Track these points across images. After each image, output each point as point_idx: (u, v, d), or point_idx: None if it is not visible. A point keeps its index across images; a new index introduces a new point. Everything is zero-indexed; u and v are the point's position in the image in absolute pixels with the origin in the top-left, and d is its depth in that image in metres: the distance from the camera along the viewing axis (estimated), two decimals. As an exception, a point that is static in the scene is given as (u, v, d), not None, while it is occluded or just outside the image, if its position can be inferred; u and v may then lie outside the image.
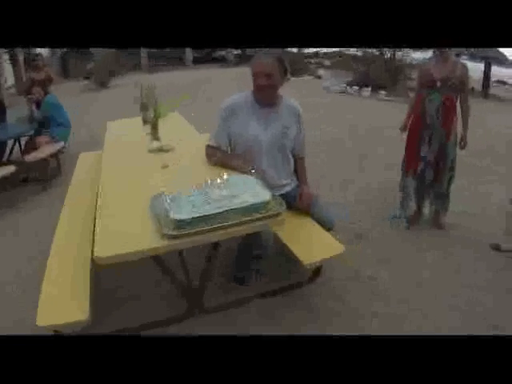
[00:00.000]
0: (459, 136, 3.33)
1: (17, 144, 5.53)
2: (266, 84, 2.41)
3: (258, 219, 1.91)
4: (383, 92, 10.35)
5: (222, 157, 2.55)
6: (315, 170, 4.49)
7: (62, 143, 5.22)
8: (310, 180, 2.81)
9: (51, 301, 1.95)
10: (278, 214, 1.97)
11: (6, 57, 13.09)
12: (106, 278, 2.70)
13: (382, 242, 3.33)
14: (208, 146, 2.61)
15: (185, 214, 1.81)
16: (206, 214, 1.82)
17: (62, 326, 1.87)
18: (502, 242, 3.15)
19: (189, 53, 18.89)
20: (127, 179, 2.55)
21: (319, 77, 13.92)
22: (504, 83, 15.19)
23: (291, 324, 2.39)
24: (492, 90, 12.69)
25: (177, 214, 1.80)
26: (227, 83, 11.30)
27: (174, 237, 1.78)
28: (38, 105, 5.44)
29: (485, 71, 12.70)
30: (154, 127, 2.98)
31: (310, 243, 2.41)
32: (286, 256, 2.45)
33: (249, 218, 1.89)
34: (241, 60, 17.89)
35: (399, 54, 11.89)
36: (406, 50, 11.70)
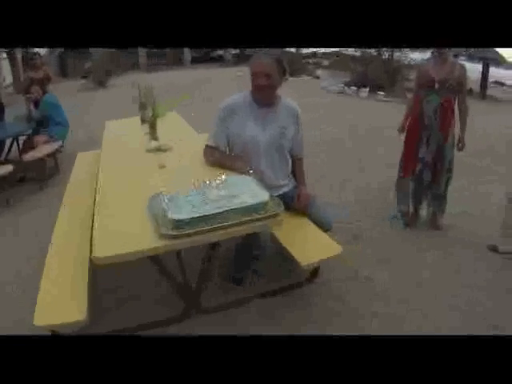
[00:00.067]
0: (457, 137, 3.34)
1: (15, 143, 5.51)
2: (264, 84, 2.41)
3: (257, 220, 1.92)
4: (381, 92, 10.37)
5: (220, 157, 2.55)
6: (315, 169, 4.52)
7: (59, 142, 5.20)
8: (309, 180, 2.81)
9: (49, 301, 1.94)
10: (276, 215, 1.97)
11: (3, 55, 13.06)
12: (106, 278, 2.69)
13: (382, 242, 3.34)
14: (206, 146, 2.61)
15: (183, 214, 1.81)
16: (206, 214, 1.82)
17: (59, 326, 1.87)
18: (499, 243, 3.15)
19: (187, 53, 18.90)
20: (125, 179, 2.55)
21: (317, 77, 13.94)
22: (502, 84, 15.24)
23: (291, 324, 2.39)
24: (490, 91, 12.72)
25: (175, 214, 1.80)
26: (226, 83, 11.30)
27: (173, 237, 1.78)
28: (36, 104, 5.42)
29: (483, 72, 12.73)
30: (153, 127, 2.98)
31: (308, 244, 2.42)
32: (283, 256, 2.45)
33: (248, 219, 1.89)
34: (239, 60, 17.90)
35: (397, 54, 11.92)
36: (404, 50, 11.74)
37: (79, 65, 15.75)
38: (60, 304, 1.93)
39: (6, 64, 13.23)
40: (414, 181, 3.42)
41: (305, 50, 19.15)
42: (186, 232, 1.79)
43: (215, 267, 2.59)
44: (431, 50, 3.37)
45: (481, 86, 12.43)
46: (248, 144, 2.50)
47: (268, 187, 2.15)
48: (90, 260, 1.95)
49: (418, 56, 10.64)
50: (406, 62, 11.61)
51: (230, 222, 1.86)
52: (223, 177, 2.11)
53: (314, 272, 2.68)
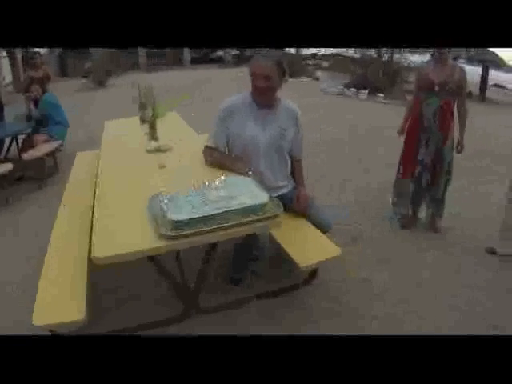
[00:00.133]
0: (456, 140, 3.35)
1: (14, 142, 5.51)
2: (264, 86, 2.41)
3: (256, 221, 1.92)
4: (380, 94, 10.38)
5: (220, 158, 2.55)
6: (315, 170, 4.54)
7: (59, 142, 5.21)
8: (309, 180, 2.82)
9: (48, 300, 1.94)
10: (275, 216, 1.97)
11: (3, 54, 13.05)
12: (106, 278, 2.69)
13: (382, 242, 3.35)
14: (206, 147, 2.61)
15: (182, 215, 1.81)
16: (205, 214, 1.83)
17: (57, 326, 1.87)
18: (497, 245, 3.15)
19: (187, 53, 18.90)
20: (125, 179, 2.55)
21: (317, 78, 13.95)
22: (502, 87, 15.26)
23: (291, 325, 2.39)
24: (489, 94, 12.74)
25: (174, 215, 1.80)
26: (226, 84, 11.31)
27: (172, 237, 1.79)
28: (36, 103, 5.43)
29: (482, 75, 12.75)
30: (152, 127, 2.98)
31: (306, 245, 2.42)
32: (282, 257, 2.45)
33: (247, 220, 1.90)
34: (239, 61, 17.91)
35: (397, 56, 11.93)
36: (404, 52, 11.76)
37: (79, 64, 15.74)
38: (59, 304, 1.92)
39: (5, 63, 13.22)
40: (412, 183, 3.43)
41: (304, 52, 19.18)
42: (185, 233, 1.80)
43: (214, 268, 2.59)
44: (431, 53, 3.38)
45: (480, 88, 12.45)
46: (248, 145, 2.50)
47: (267, 188, 2.15)
48: (89, 260, 1.95)
49: (417, 58, 10.66)
50: (405, 65, 11.62)
51: (229, 223, 1.86)
52: (223, 178, 2.12)
53: (313, 273, 2.68)
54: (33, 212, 4.06)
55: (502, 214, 3.16)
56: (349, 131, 6.84)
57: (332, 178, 4.76)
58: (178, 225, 1.79)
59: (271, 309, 2.52)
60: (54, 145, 5.05)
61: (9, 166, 4.31)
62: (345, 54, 15.46)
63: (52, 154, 5.04)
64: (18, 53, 12.92)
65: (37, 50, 6.98)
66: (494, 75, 13.79)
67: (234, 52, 19.48)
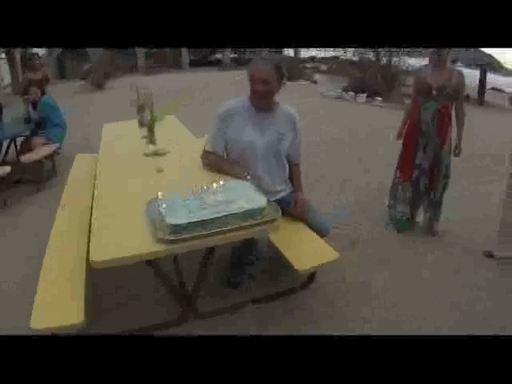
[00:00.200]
0: (454, 143, 3.35)
1: (12, 144, 5.50)
2: (262, 90, 2.41)
3: (255, 225, 1.92)
4: (379, 98, 10.39)
5: (218, 162, 2.56)
6: (315, 170, 4.54)
7: (57, 144, 5.19)
8: (309, 180, 2.82)
9: (46, 303, 1.93)
10: (273, 220, 1.98)
11: (2, 55, 13.05)
12: (106, 279, 2.69)
13: (382, 243, 3.37)
14: (204, 151, 2.62)
15: (180, 219, 1.81)
16: (203, 218, 1.83)
17: (56, 329, 1.85)
18: (495, 248, 3.14)
19: (185, 55, 18.87)
20: (123, 183, 2.55)
21: (315, 82, 13.96)
22: (500, 91, 15.28)
23: (289, 328, 2.39)
24: (487, 98, 12.77)
25: (172, 219, 1.80)
26: (224, 86, 11.32)
27: (170, 241, 1.79)
28: (35, 105, 5.41)
29: (480, 78, 12.78)
30: (151, 130, 2.99)
31: (304, 249, 2.41)
32: (280, 261, 2.45)
33: (245, 224, 1.90)
34: (237, 63, 17.92)
35: (395, 60, 11.95)
36: (402, 56, 11.77)
37: (77, 66, 15.75)
38: (57, 307, 1.91)
39: (4, 65, 13.22)
40: (410, 187, 3.43)
41: (303, 55, 19.21)
42: (183, 237, 1.80)
43: (212, 271, 2.59)
44: (428, 57, 3.37)
45: (478, 92, 12.48)
46: (246, 149, 2.50)
47: (265, 192, 2.16)
48: (88, 262, 1.95)
49: (415, 62, 10.68)
50: (403, 68, 11.64)
51: (227, 227, 1.86)
52: (221, 182, 2.12)
53: (311, 277, 2.68)
54: (31, 214, 4.05)
55: (501, 213, 3.15)
56: (348, 132, 6.86)
57: (332, 178, 4.77)
58: (176, 229, 1.79)
59: (269, 312, 2.51)
60: (52, 148, 5.03)
61: (7, 169, 4.29)
62: (343, 57, 15.46)
63: (50, 156, 5.03)
64: (17, 54, 12.93)
65: (35, 51, 6.98)
66: (492, 79, 13.82)
67: (233, 55, 19.47)
